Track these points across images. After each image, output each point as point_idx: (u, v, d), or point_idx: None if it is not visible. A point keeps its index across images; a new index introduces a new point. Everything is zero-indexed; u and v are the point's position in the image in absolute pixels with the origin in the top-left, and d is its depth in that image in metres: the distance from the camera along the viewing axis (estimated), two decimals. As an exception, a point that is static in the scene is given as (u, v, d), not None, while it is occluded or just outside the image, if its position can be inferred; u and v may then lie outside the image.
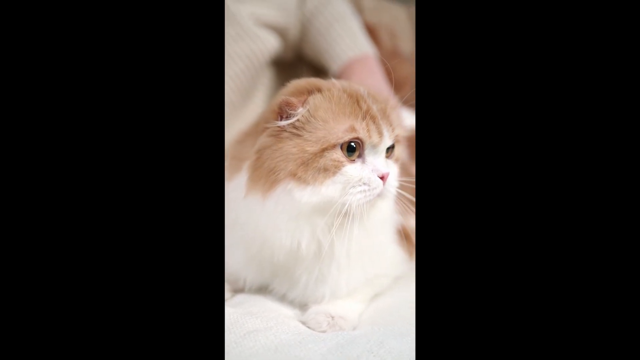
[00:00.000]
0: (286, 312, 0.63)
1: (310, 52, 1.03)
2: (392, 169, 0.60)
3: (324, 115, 0.57)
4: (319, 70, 1.03)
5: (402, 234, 0.70)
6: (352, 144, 0.56)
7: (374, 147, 0.58)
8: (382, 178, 0.57)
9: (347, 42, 0.99)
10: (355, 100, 0.58)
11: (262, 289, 0.67)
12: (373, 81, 0.95)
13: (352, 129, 0.56)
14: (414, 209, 0.61)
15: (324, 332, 0.59)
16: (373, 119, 0.57)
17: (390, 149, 0.61)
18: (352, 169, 0.57)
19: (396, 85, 1.04)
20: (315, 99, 0.57)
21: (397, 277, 0.70)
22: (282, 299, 0.66)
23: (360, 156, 0.58)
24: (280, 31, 1.01)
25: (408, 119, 0.97)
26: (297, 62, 1.09)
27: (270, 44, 0.97)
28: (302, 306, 0.64)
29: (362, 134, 0.56)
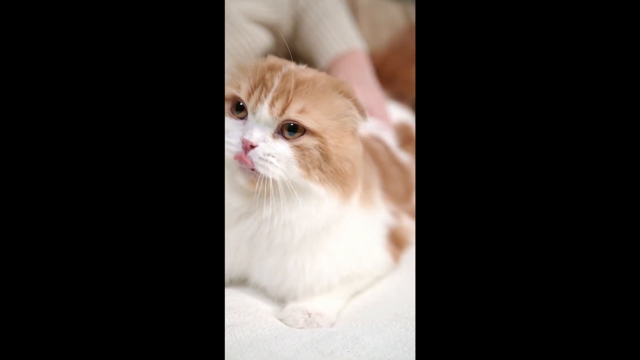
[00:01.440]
0: (265, 308, 0.63)
1: (302, 48, 1.03)
2: (272, 145, 0.57)
3: (238, 73, 0.60)
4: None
5: (392, 238, 0.70)
6: (240, 103, 0.59)
7: (254, 114, 0.57)
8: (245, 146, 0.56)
9: (336, 38, 0.98)
10: (268, 71, 0.59)
11: (243, 282, 0.67)
12: (360, 76, 0.95)
13: (238, 86, 0.59)
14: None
15: (301, 329, 0.59)
16: (265, 87, 0.58)
17: (296, 133, 0.57)
18: (228, 122, 0.59)
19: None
20: (248, 63, 0.61)
21: (379, 276, 0.69)
22: (262, 292, 0.65)
23: (244, 118, 0.59)
24: (272, 28, 1.00)
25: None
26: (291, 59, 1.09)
27: (261, 40, 0.97)
28: (280, 301, 0.64)
29: (241, 92, 0.58)
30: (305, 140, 0.57)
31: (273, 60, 0.63)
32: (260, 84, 0.58)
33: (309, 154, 0.57)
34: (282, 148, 0.57)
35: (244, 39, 0.94)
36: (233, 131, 0.58)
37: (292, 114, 0.56)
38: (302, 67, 0.64)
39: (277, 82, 0.57)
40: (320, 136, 0.57)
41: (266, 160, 0.56)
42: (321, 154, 0.57)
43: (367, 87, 0.95)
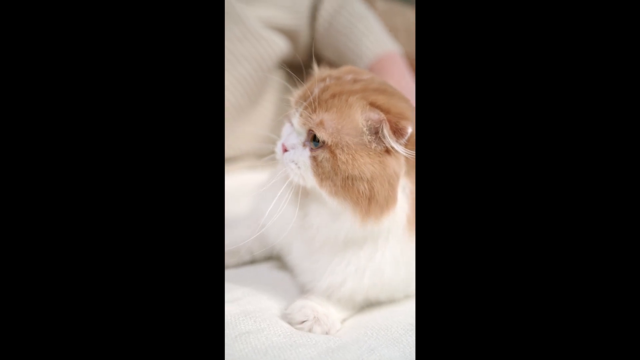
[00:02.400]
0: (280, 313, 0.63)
1: (331, 54, 1.02)
2: (299, 152, 0.60)
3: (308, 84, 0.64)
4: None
5: None
6: None
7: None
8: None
9: (372, 40, 0.99)
10: (317, 81, 0.62)
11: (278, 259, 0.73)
12: (400, 78, 0.94)
13: (294, 96, 0.63)
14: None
15: (309, 328, 0.60)
16: (304, 96, 0.61)
17: (320, 142, 0.58)
18: (286, 126, 0.64)
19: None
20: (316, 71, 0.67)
21: None
22: (290, 271, 0.70)
23: None
24: (290, 34, 1.00)
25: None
26: (310, 65, 1.09)
27: (278, 47, 0.97)
28: (301, 289, 0.66)
29: (293, 99, 0.63)
30: (319, 152, 0.58)
31: (346, 69, 0.65)
32: (304, 93, 0.61)
33: (321, 165, 0.58)
34: (304, 157, 0.60)
35: (260, 46, 0.95)
36: (282, 134, 0.64)
37: (312, 125, 0.58)
38: (366, 76, 0.63)
39: (315, 92, 0.60)
40: (332, 151, 0.57)
41: (288, 166, 0.61)
42: (331, 167, 0.57)
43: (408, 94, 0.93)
